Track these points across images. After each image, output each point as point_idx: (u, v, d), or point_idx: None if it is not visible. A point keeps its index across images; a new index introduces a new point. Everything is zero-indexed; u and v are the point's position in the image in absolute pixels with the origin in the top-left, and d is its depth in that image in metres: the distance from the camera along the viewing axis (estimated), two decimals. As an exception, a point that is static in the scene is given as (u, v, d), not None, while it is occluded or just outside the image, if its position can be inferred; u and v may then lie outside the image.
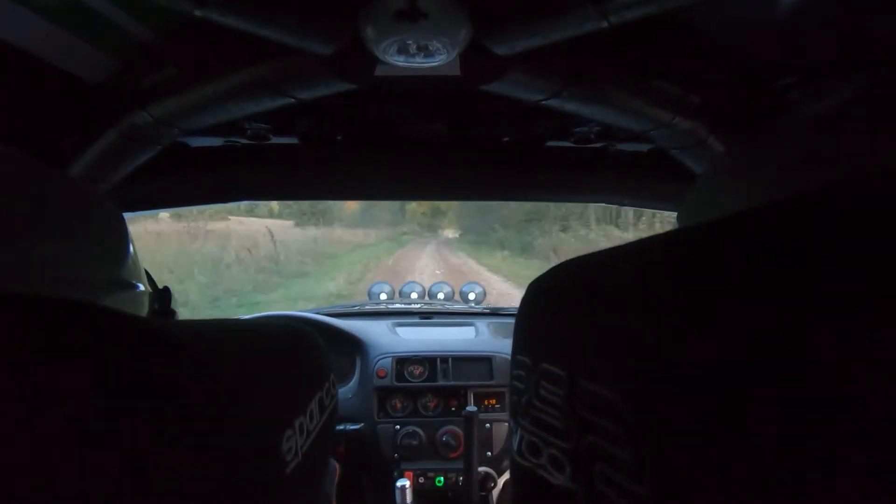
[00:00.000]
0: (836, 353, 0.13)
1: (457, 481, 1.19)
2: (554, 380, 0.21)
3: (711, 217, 0.27)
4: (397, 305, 1.69)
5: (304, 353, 0.36)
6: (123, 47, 0.55)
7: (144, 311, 0.45)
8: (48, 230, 0.33)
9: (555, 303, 0.23)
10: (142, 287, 0.43)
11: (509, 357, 0.26)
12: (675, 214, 1.02)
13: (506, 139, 0.90)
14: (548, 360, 0.21)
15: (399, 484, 1.05)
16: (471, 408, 1.01)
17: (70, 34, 0.49)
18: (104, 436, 0.19)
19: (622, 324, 0.19)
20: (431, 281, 1.84)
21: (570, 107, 0.62)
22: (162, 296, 0.58)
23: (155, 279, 0.60)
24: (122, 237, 0.41)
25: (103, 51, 0.54)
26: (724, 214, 0.22)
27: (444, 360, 1.29)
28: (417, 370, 1.28)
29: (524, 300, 0.25)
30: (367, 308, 1.66)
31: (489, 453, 1.23)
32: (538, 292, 0.25)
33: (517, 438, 0.23)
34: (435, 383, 1.27)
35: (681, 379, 0.16)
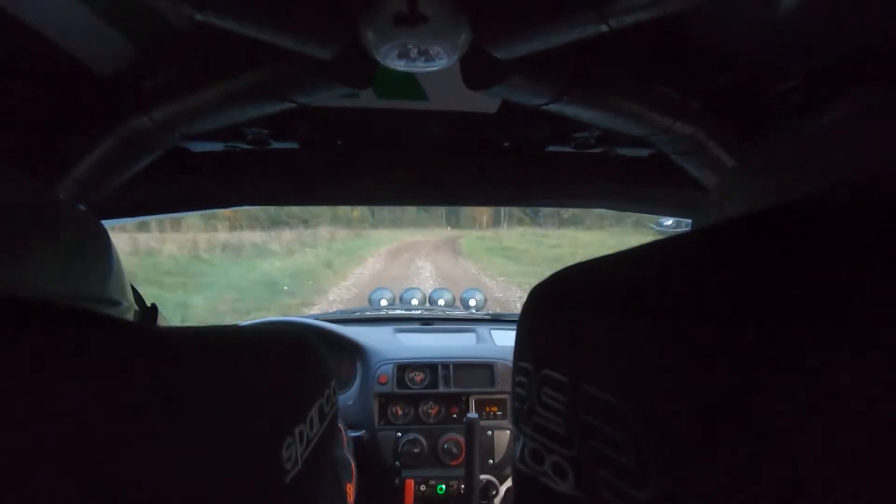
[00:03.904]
0: (840, 355, 0.13)
1: (458, 489, 1.18)
2: (556, 386, 0.20)
3: None
4: (398, 311, 1.69)
5: (304, 359, 0.36)
6: (149, 33, 0.54)
7: None
8: (27, 247, 0.32)
9: (556, 308, 0.23)
10: (125, 304, 0.43)
11: (511, 363, 0.26)
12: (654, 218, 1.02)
13: (506, 144, 0.90)
14: (550, 366, 0.21)
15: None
16: (472, 415, 1.00)
17: (95, 17, 0.49)
18: (101, 444, 0.19)
19: (624, 329, 0.18)
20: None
21: (571, 111, 0.62)
22: (148, 312, 0.57)
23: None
24: (105, 253, 0.40)
25: (127, 38, 0.53)
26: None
27: (446, 366, 1.29)
28: (418, 377, 1.28)
29: (525, 306, 0.25)
30: (368, 314, 1.66)
31: (491, 461, 1.22)
32: (539, 298, 0.25)
33: (519, 445, 0.23)
34: (436, 390, 1.27)
35: (683, 383, 0.16)
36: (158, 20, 0.52)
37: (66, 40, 0.51)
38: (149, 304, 0.59)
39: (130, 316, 0.45)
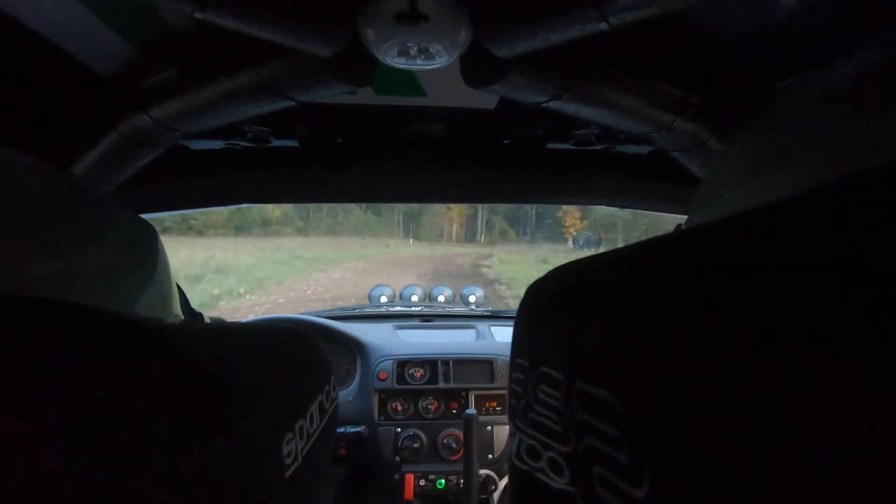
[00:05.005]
0: (836, 354, 0.13)
1: (458, 483, 1.19)
2: (552, 383, 0.21)
3: (719, 205, 0.27)
4: (398, 308, 1.69)
5: (304, 355, 0.36)
6: (148, 34, 0.54)
7: None
8: (61, 248, 0.31)
9: (553, 306, 0.23)
10: (166, 319, 0.41)
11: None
12: (666, 217, 1.02)
13: (506, 141, 0.90)
14: (546, 364, 0.21)
15: None
16: (470, 410, 1.01)
17: (94, 16, 0.48)
18: (102, 438, 0.19)
19: (619, 326, 0.18)
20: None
21: (571, 109, 0.62)
22: (194, 319, 0.56)
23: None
24: (150, 259, 0.38)
25: (125, 38, 0.53)
26: (730, 203, 0.21)
27: (445, 362, 1.29)
28: (418, 373, 1.28)
29: (522, 304, 0.25)
30: (368, 311, 1.66)
31: (490, 456, 1.23)
32: (536, 296, 0.25)
33: (516, 442, 0.23)
34: (436, 386, 1.27)
35: (677, 381, 0.16)
36: (156, 20, 0.52)
37: (65, 40, 0.51)
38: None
39: None
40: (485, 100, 0.73)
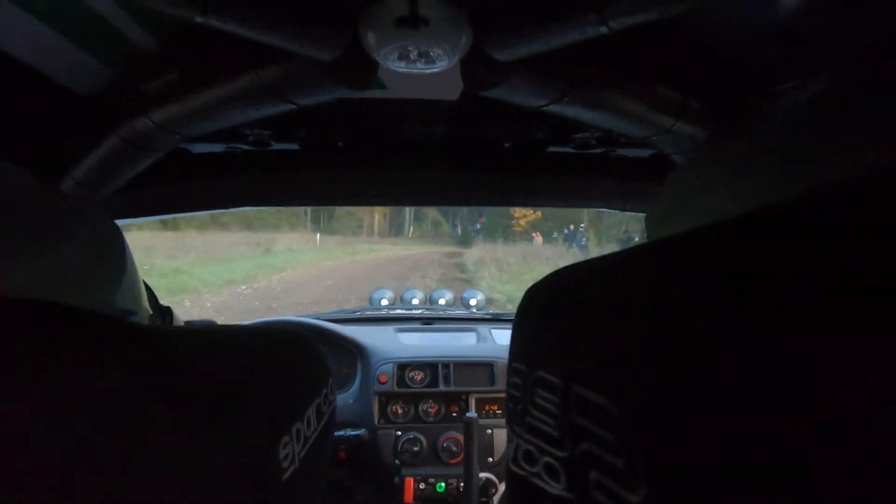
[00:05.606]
0: (827, 358, 0.13)
1: (458, 487, 1.19)
2: (549, 388, 0.20)
3: (680, 218, 0.27)
4: (398, 311, 1.69)
5: (301, 359, 0.36)
6: (122, 57, 0.55)
7: None
8: (35, 252, 0.30)
9: (549, 310, 0.23)
10: (139, 314, 0.41)
11: None
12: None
13: (507, 145, 0.90)
14: (543, 368, 0.21)
15: None
16: (471, 414, 1.01)
17: (70, 43, 0.50)
18: (99, 442, 0.19)
19: (614, 331, 0.18)
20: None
21: (571, 112, 0.62)
22: (163, 315, 0.57)
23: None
24: (120, 259, 0.38)
25: (102, 62, 0.54)
26: (691, 215, 0.21)
27: (446, 365, 1.29)
28: (418, 376, 1.28)
29: (520, 308, 0.25)
30: (369, 314, 1.66)
31: (490, 459, 1.22)
32: (533, 300, 0.25)
33: (513, 446, 0.23)
34: (436, 389, 1.27)
35: (672, 386, 0.16)
36: (123, 42, 0.53)
37: (47, 66, 0.52)
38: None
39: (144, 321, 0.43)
40: (447, 91, 0.72)
